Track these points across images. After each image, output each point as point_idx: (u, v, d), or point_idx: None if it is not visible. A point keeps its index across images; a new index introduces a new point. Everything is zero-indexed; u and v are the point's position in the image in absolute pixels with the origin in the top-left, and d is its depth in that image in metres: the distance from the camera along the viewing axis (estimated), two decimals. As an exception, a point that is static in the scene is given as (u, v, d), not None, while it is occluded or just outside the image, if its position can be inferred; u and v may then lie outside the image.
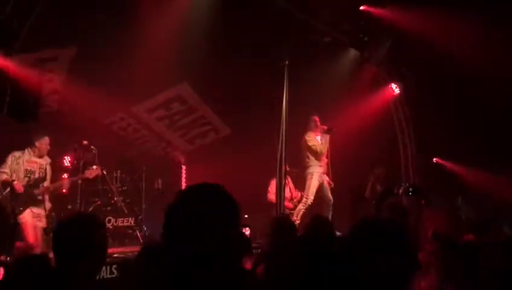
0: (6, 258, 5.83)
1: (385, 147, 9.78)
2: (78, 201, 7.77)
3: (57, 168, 7.21)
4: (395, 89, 9.63)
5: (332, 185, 8.28)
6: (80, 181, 7.34)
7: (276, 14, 8.03)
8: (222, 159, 9.67)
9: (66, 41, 7.63)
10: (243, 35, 8.23)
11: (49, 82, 7.90)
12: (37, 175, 6.46)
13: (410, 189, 8.40)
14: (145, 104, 9.59)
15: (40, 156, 6.53)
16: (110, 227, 7.78)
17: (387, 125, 9.90)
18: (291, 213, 8.13)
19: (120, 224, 7.98)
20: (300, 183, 8.41)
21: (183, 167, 11.04)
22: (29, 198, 6.32)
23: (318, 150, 7.96)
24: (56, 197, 7.91)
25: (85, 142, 7.87)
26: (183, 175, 10.95)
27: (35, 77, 6.43)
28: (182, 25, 7.58)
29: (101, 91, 8.08)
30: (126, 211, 8.14)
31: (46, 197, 6.53)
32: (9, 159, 6.33)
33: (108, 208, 8.09)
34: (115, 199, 8.18)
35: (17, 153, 6.40)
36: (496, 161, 8.14)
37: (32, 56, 7.28)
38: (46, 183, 6.53)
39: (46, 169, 6.59)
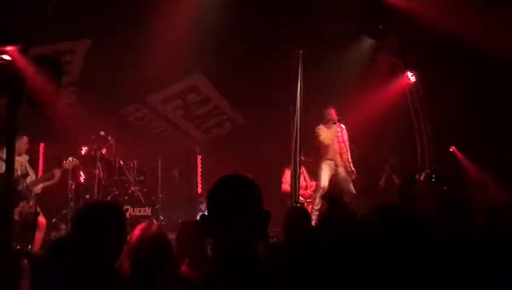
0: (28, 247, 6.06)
1: (401, 136, 9.68)
2: (96, 191, 7.91)
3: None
4: (410, 77, 9.51)
5: (355, 176, 7.99)
6: (58, 173, 7.11)
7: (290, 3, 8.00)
8: (237, 149, 9.71)
9: (80, 34, 7.72)
10: (257, 24, 8.22)
11: (67, 74, 8.03)
12: (19, 172, 6.63)
13: (433, 176, 8.25)
14: (161, 94, 9.68)
15: (19, 155, 6.63)
16: (128, 217, 7.89)
17: (403, 113, 9.79)
18: (307, 202, 8.15)
19: (137, 213, 8.07)
20: (315, 173, 8.39)
21: (199, 157, 11.12)
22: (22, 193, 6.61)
23: (327, 142, 7.80)
24: (75, 188, 8.14)
25: (102, 132, 8.01)
26: (199, 165, 11.02)
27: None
28: (196, 14, 7.59)
29: (117, 82, 8.19)
30: (143, 201, 8.21)
31: (32, 190, 6.74)
32: None
33: (126, 198, 8.17)
34: (132, 188, 8.28)
35: None
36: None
37: (50, 48, 7.40)
38: (29, 179, 6.74)
39: (26, 166, 6.79)
